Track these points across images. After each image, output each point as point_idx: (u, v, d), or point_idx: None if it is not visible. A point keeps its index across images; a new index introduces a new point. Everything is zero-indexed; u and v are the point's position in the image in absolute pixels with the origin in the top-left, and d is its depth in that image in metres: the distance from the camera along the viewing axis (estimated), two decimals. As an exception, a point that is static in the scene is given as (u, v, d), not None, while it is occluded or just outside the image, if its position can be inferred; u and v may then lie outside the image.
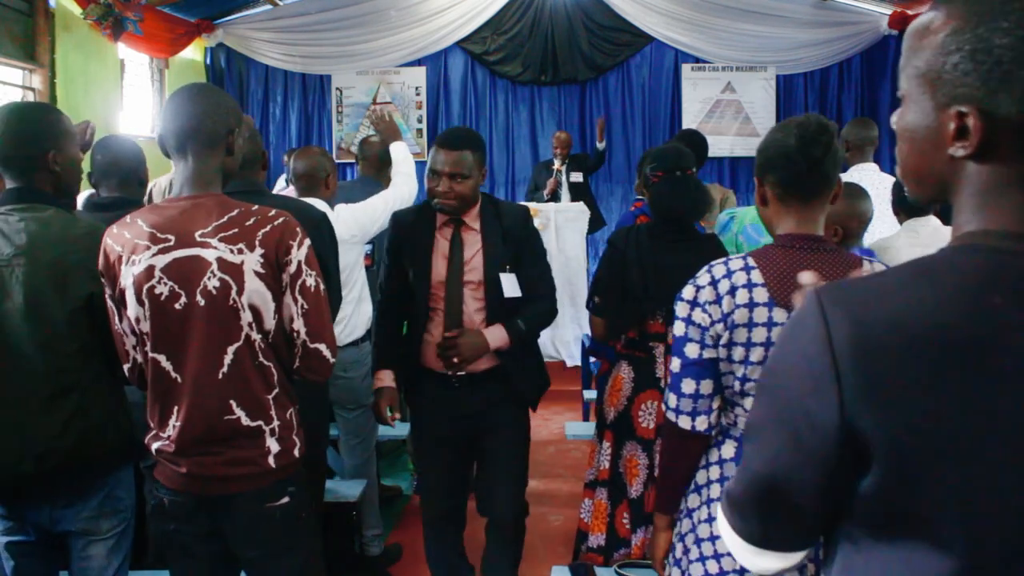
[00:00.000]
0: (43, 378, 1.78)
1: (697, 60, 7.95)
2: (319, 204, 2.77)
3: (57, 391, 1.79)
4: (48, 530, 1.85)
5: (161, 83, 6.99)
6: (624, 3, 7.70)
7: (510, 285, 2.35)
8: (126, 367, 1.76)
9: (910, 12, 7.39)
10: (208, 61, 7.84)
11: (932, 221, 2.89)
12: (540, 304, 2.44)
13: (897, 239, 2.94)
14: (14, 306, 1.76)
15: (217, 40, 7.63)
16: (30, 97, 5.14)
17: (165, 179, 4.29)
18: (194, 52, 7.57)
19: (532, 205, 5.93)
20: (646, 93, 8.06)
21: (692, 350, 1.62)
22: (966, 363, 0.70)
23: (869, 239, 3.20)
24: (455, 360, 2.30)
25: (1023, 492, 0.70)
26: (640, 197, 3.39)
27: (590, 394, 4.06)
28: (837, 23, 7.74)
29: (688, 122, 7.79)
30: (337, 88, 7.99)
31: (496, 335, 2.34)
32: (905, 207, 3.00)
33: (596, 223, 6.17)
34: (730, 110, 7.97)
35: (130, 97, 6.50)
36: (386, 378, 2.49)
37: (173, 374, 1.65)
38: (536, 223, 5.65)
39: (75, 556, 1.88)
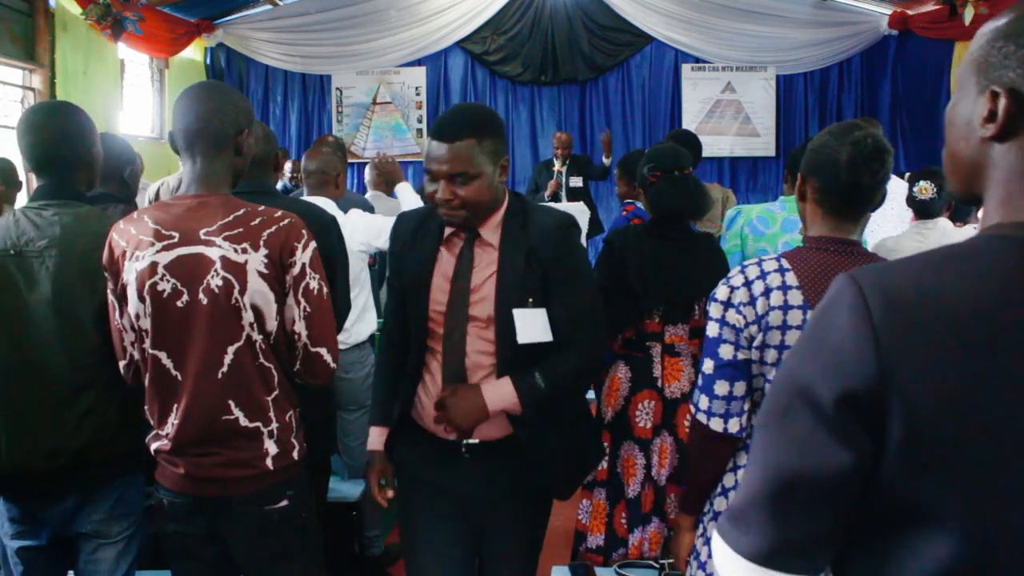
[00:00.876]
0: (64, 373, 1.77)
1: (697, 60, 7.95)
2: (328, 205, 2.77)
3: (75, 387, 1.78)
4: (60, 532, 1.84)
5: (161, 83, 6.99)
6: (624, 3, 7.70)
7: (532, 325, 1.70)
8: (122, 364, 1.75)
9: (910, 12, 7.40)
10: (208, 61, 7.84)
11: (940, 224, 2.89)
12: (571, 353, 1.74)
13: (901, 240, 2.94)
14: (42, 298, 1.76)
15: (217, 40, 7.63)
16: (30, 97, 5.14)
17: (173, 178, 4.31)
18: (194, 52, 7.57)
19: (532, 205, 5.92)
20: (646, 93, 8.06)
21: (726, 351, 1.59)
22: (995, 345, 0.71)
23: (871, 237, 3.21)
24: (443, 427, 1.73)
25: None
26: (630, 201, 3.37)
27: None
28: (837, 23, 7.75)
29: (688, 122, 7.79)
30: (337, 88, 7.99)
31: (499, 393, 1.69)
32: (914, 207, 2.99)
33: (594, 228, 6.15)
34: (730, 110, 7.97)
35: (130, 97, 6.50)
36: (377, 439, 1.92)
37: (174, 372, 1.64)
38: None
39: (83, 559, 1.87)
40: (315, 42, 7.79)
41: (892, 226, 3.26)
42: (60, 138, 1.84)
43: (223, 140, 1.69)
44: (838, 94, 8.00)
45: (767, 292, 1.54)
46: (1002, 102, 0.76)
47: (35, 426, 1.76)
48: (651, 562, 2.36)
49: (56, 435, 1.77)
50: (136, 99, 6.66)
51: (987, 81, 0.78)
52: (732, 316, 1.58)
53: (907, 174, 5.57)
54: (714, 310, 1.61)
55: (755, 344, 1.56)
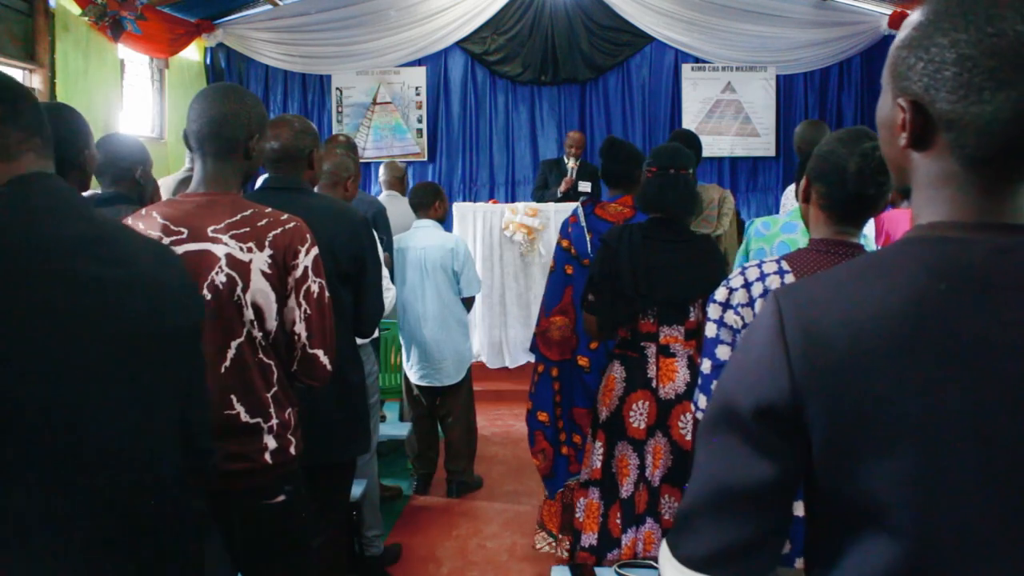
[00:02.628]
0: None
1: (697, 60, 7.94)
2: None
3: None
4: None
5: (161, 83, 6.98)
6: (624, 3, 7.69)
7: None
8: None
9: (910, 12, 7.40)
10: (208, 61, 7.84)
11: None
12: None
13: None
14: None
15: (217, 40, 7.62)
16: (30, 97, 5.14)
17: (171, 178, 4.33)
18: (194, 52, 7.57)
19: (532, 205, 5.93)
20: (646, 93, 8.05)
21: (723, 352, 1.62)
22: (911, 349, 0.72)
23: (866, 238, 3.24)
24: None
25: (970, 478, 0.70)
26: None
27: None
28: (837, 23, 7.74)
29: (688, 122, 7.79)
30: (337, 88, 7.99)
31: None
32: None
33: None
34: (730, 110, 7.97)
35: (130, 97, 6.50)
36: None
37: None
38: (536, 223, 5.74)
39: None
40: (315, 42, 7.78)
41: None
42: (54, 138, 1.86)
43: (233, 144, 1.73)
44: (838, 94, 8.00)
45: (766, 293, 1.55)
46: (908, 115, 0.77)
47: None
48: (651, 562, 2.36)
49: None
50: (136, 99, 6.66)
51: (897, 90, 0.79)
52: (730, 317, 1.59)
53: None
54: (712, 311, 1.63)
55: None
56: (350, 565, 3.05)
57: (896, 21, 7.54)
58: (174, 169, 5.31)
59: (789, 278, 1.55)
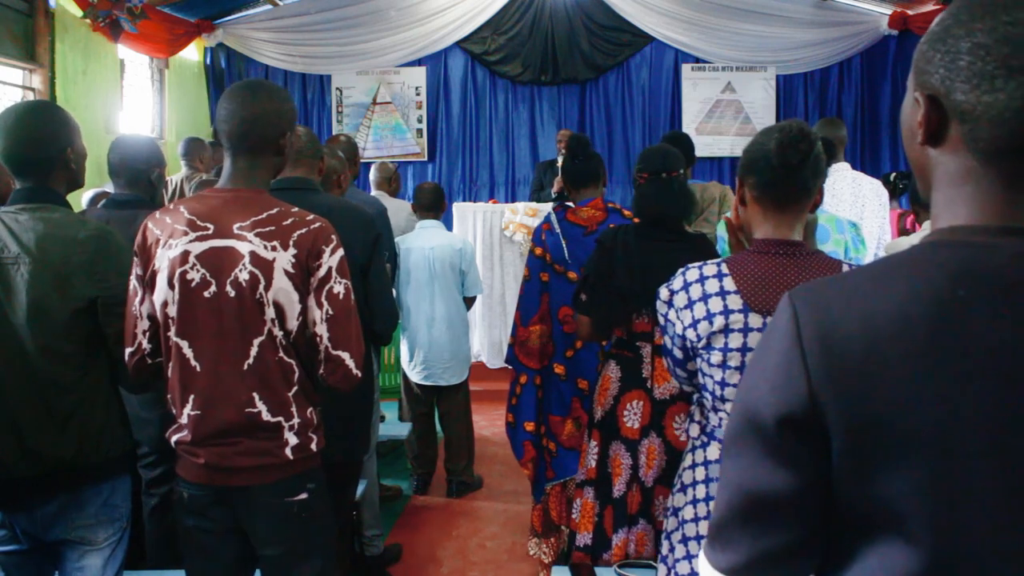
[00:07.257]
0: (42, 379, 1.78)
1: (697, 60, 7.95)
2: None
3: (55, 393, 1.78)
4: (39, 538, 1.83)
5: (161, 83, 6.99)
6: (624, 3, 7.70)
7: None
8: (128, 350, 1.75)
9: (910, 12, 7.40)
10: (208, 61, 7.84)
11: None
12: None
13: (903, 243, 2.98)
14: (18, 305, 1.76)
15: (217, 40, 7.63)
16: (30, 97, 5.14)
17: (177, 177, 4.36)
18: (194, 52, 7.57)
19: (531, 205, 5.94)
20: (646, 93, 8.06)
21: (668, 342, 1.76)
22: (930, 356, 0.70)
23: (872, 239, 3.25)
24: None
25: (989, 486, 0.69)
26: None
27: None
28: (837, 23, 7.74)
29: (688, 122, 7.79)
30: (337, 88, 7.99)
31: None
32: (921, 205, 3.01)
33: None
34: (730, 110, 7.97)
35: (130, 97, 6.50)
36: None
37: (193, 362, 1.66)
38: (535, 223, 5.74)
39: (69, 567, 1.86)
40: (315, 42, 7.78)
41: (871, 223, 3.33)
42: (31, 141, 1.83)
43: (266, 144, 1.74)
44: (838, 94, 8.00)
45: (705, 297, 1.60)
46: (924, 109, 0.77)
47: (19, 432, 1.77)
48: (650, 562, 2.36)
49: (37, 440, 1.78)
50: (136, 99, 6.66)
51: (917, 86, 0.79)
52: (672, 316, 1.65)
53: (893, 174, 5.57)
54: (659, 306, 1.72)
55: (700, 346, 1.62)
56: (350, 565, 3.05)
57: (896, 21, 7.53)
58: (174, 170, 5.31)
59: (728, 281, 1.59)
